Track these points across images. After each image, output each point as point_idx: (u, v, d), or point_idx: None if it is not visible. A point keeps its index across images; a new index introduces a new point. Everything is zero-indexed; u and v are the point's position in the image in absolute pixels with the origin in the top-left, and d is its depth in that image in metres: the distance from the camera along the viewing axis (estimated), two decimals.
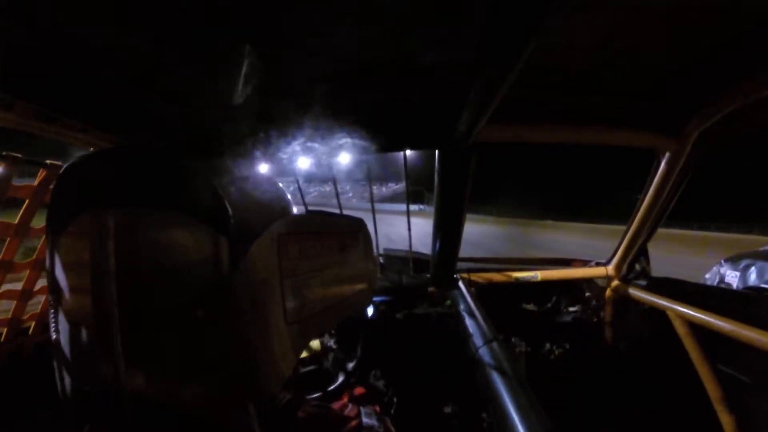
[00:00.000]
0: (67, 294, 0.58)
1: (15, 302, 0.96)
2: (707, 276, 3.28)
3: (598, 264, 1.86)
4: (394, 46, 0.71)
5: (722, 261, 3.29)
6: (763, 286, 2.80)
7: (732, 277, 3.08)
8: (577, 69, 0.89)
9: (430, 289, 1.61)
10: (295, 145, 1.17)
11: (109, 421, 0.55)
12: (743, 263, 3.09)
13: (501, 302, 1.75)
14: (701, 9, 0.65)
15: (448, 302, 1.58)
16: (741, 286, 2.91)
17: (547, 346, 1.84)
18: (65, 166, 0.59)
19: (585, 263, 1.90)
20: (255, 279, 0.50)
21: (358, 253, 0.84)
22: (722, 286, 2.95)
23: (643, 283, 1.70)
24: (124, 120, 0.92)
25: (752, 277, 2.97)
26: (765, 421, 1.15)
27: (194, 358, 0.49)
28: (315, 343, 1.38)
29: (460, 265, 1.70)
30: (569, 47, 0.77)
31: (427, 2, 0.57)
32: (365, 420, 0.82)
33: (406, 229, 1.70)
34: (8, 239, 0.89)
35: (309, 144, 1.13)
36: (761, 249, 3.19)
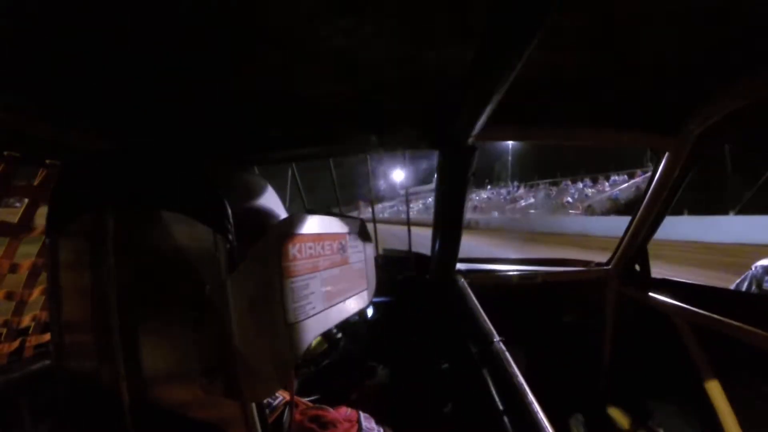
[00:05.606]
0: (66, 294, 0.58)
1: (15, 303, 0.95)
2: (739, 281, 3.35)
3: (598, 265, 1.86)
4: (394, 45, 0.71)
5: (756, 265, 3.37)
6: None
7: None
8: (577, 69, 0.89)
9: (430, 289, 1.61)
10: (295, 145, 1.17)
11: (109, 421, 0.55)
12: None
13: (501, 303, 1.74)
14: (701, 9, 0.65)
15: (448, 303, 1.57)
16: None
17: (547, 347, 1.83)
18: (65, 166, 0.59)
19: (585, 264, 1.90)
20: (254, 280, 0.50)
21: (357, 254, 0.84)
22: (757, 291, 3.07)
23: (643, 283, 1.70)
24: (123, 120, 0.92)
25: None
26: (766, 420, 1.15)
27: (194, 359, 0.49)
28: (314, 345, 1.37)
29: (459, 265, 1.70)
30: (569, 47, 0.77)
31: (427, 2, 0.57)
32: (364, 424, 0.81)
33: None
34: (8, 240, 0.89)
35: (308, 144, 1.13)
36: None
